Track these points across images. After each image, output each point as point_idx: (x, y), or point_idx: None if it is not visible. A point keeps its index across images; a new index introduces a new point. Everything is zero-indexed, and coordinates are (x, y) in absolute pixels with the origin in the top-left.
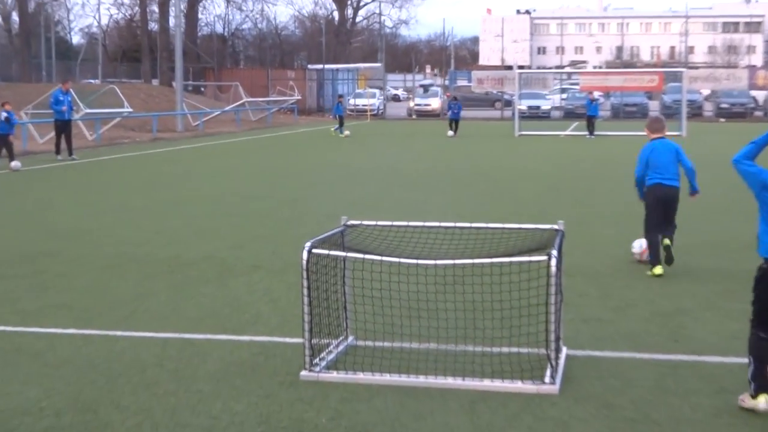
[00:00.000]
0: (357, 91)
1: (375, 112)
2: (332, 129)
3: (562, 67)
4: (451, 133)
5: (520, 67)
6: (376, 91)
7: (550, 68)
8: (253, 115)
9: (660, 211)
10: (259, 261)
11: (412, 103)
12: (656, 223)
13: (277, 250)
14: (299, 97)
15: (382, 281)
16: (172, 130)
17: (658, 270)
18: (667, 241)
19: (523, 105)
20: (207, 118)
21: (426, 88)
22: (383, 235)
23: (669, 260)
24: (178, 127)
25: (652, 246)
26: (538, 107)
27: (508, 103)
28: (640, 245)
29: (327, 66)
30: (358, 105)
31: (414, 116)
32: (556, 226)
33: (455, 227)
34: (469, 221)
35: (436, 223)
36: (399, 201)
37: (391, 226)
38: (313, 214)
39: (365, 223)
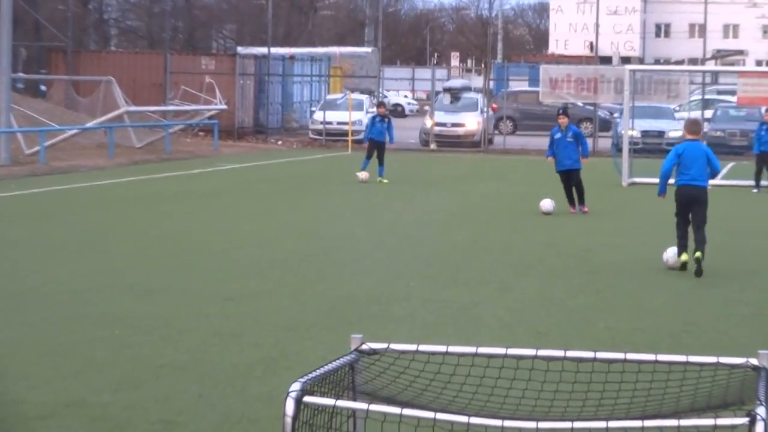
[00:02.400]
0: (328, 97)
1: (362, 136)
2: (363, 175)
3: (702, 61)
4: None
5: (625, 61)
6: (364, 98)
7: (681, 63)
8: (138, 138)
9: (686, 210)
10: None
11: (428, 122)
12: (683, 220)
13: (207, 394)
14: (223, 107)
15: None
16: None
17: (684, 257)
18: (698, 254)
19: (634, 130)
20: (53, 141)
21: (455, 93)
22: (416, 368)
23: (698, 273)
24: None
25: (680, 238)
26: (660, 133)
27: (606, 125)
28: (673, 253)
29: (274, 50)
30: (329, 122)
31: (433, 145)
32: (753, 361)
33: (550, 357)
34: (563, 343)
35: (515, 350)
36: (428, 302)
37: (435, 353)
38: (268, 325)
39: (394, 347)
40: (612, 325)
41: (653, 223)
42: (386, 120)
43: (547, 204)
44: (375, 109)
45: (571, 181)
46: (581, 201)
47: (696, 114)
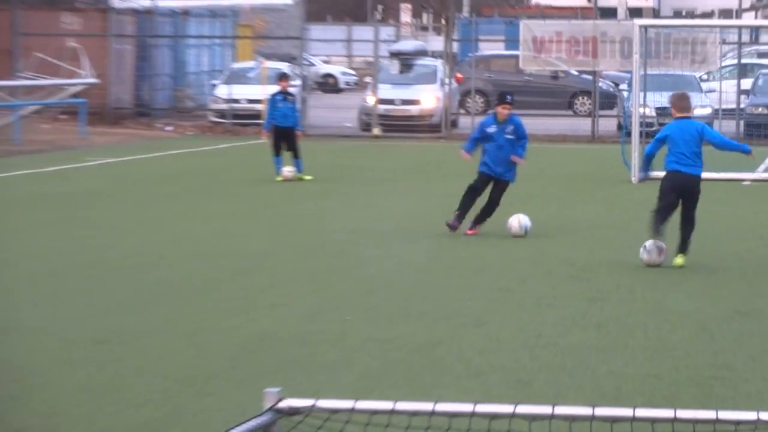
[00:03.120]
0: (234, 66)
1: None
2: (287, 172)
3: (738, 13)
4: (289, 170)
5: (635, 14)
6: (284, 66)
7: (709, 17)
8: None
9: (673, 199)
10: None
11: (370, 98)
12: (665, 208)
13: None
14: (93, 81)
15: None
16: None
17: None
18: (680, 260)
19: (647, 107)
20: None
21: (406, 60)
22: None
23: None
24: None
25: (655, 220)
26: None
27: (609, 101)
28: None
29: (161, 3)
30: (237, 100)
31: (377, 130)
32: None
33: (534, 414)
34: (551, 395)
35: (487, 406)
36: (369, 341)
37: (379, 411)
38: (155, 377)
39: (323, 403)
40: (617, 369)
41: (674, 232)
42: (292, 99)
43: (516, 223)
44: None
45: (492, 194)
46: (482, 220)
47: (731, 84)
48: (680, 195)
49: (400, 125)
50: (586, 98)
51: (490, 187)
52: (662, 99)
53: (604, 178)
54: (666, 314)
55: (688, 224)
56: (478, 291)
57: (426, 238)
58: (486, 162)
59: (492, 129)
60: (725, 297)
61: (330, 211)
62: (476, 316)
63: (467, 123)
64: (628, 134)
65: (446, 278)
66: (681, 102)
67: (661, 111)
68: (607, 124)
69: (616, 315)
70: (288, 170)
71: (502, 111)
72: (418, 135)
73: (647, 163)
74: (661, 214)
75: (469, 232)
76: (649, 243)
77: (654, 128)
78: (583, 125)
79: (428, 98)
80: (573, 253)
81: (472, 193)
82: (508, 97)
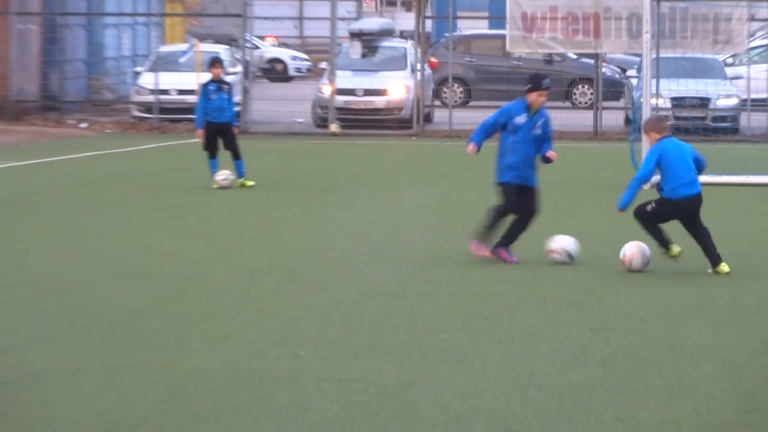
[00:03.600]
0: (162, 50)
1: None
2: (221, 179)
3: None
4: (224, 176)
5: None
6: (221, 50)
7: None
8: None
9: (674, 218)
10: None
11: (327, 88)
12: (661, 225)
13: None
14: None
15: None
16: None
17: (675, 250)
18: (726, 268)
19: (661, 97)
20: None
21: (370, 41)
22: None
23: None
24: None
25: (656, 233)
26: (703, 101)
27: (615, 90)
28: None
29: None
30: (166, 90)
31: (335, 126)
32: None
33: None
34: None
35: None
36: (327, 382)
37: None
38: (67, 426)
39: None
40: (627, 414)
41: (691, 244)
42: (227, 89)
43: (559, 247)
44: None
45: (528, 204)
46: (513, 239)
47: (761, 69)
48: (690, 216)
49: (363, 120)
50: (586, 87)
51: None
52: (679, 87)
53: (609, 183)
54: (684, 347)
55: (705, 233)
56: (458, 320)
57: (395, 258)
58: (513, 164)
59: (521, 119)
60: (754, 327)
61: (279, 224)
62: (456, 351)
63: (443, 117)
64: (639, 130)
65: (420, 305)
66: (661, 124)
67: (677, 102)
68: (613, 118)
69: (625, 348)
70: (222, 176)
71: (538, 99)
72: (384, 132)
73: (635, 190)
74: (660, 231)
75: (484, 252)
76: (633, 247)
77: (669, 122)
78: (584, 119)
79: (396, 88)
80: (572, 275)
81: (503, 215)
82: (546, 81)
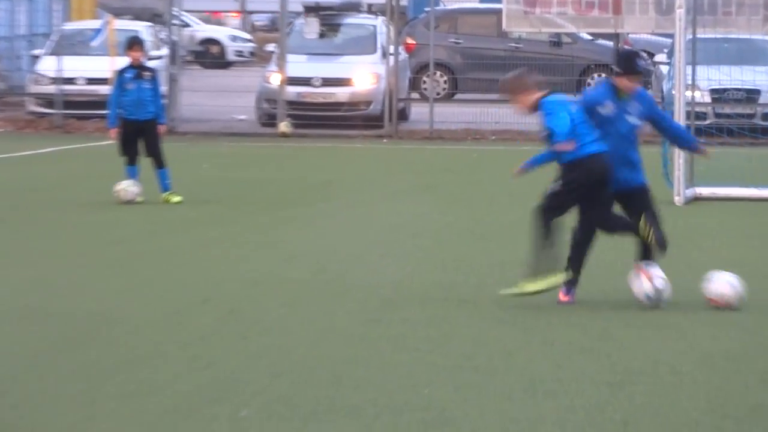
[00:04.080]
0: (66, 28)
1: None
2: (130, 191)
3: None
4: (125, 185)
5: None
6: (141, 28)
7: None
8: None
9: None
10: None
11: (274, 77)
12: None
13: None
14: None
15: None
16: None
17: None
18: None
19: (698, 89)
20: None
21: (329, 18)
22: None
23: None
24: None
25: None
26: (751, 93)
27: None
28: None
29: None
30: (71, 79)
31: (285, 125)
32: None
33: None
34: None
35: None
36: None
37: None
38: None
39: None
40: None
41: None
42: (149, 77)
43: (730, 290)
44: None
45: (633, 210)
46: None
47: None
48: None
49: (321, 118)
50: (603, 75)
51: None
52: (720, 76)
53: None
54: (728, 407)
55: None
56: (440, 372)
57: (362, 293)
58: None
59: (607, 108)
60: None
61: (214, 249)
62: (439, 411)
63: (423, 113)
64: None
65: (392, 353)
66: (531, 77)
67: (718, 95)
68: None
69: (653, 408)
70: (122, 186)
71: (629, 84)
72: (348, 133)
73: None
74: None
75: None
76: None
77: (709, 121)
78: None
79: (363, 76)
80: (585, 314)
81: (620, 226)
82: (642, 63)
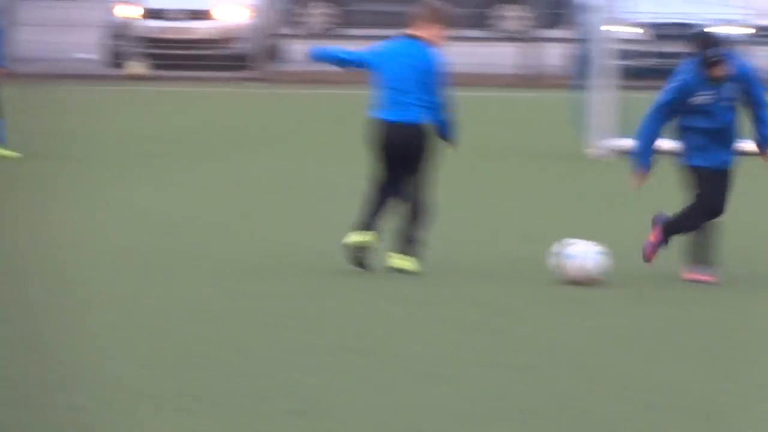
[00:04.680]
0: None
1: None
2: None
3: None
4: None
5: None
6: None
7: None
8: None
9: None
10: None
11: (123, 9)
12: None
13: None
14: None
15: None
16: None
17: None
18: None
19: (634, 24)
20: None
21: None
22: None
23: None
24: None
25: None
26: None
27: (557, 11)
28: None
29: None
30: None
31: (138, 65)
32: None
33: None
34: None
35: None
36: None
37: None
38: None
39: None
40: None
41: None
42: None
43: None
44: None
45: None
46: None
47: None
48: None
49: (180, 57)
50: (516, 7)
51: None
52: (660, 9)
53: (544, 152)
54: (641, 389)
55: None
56: (313, 354)
57: (220, 262)
58: (700, 147)
59: (702, 97)
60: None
61: (47, 212)
62: (310, 399)
63: (300, 53)
64: (582, 75)
65: (255, 332)
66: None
67: (659, 30)
68: (553, 55)
69: (558, 394)
70: None
71: (718, 72)
72: (211, 75)
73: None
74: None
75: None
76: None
77: (644, 61)
78: (510, 57)
79: (227, 8)
80: (485, 289)
81: (701, 215)
82: (718, 51)
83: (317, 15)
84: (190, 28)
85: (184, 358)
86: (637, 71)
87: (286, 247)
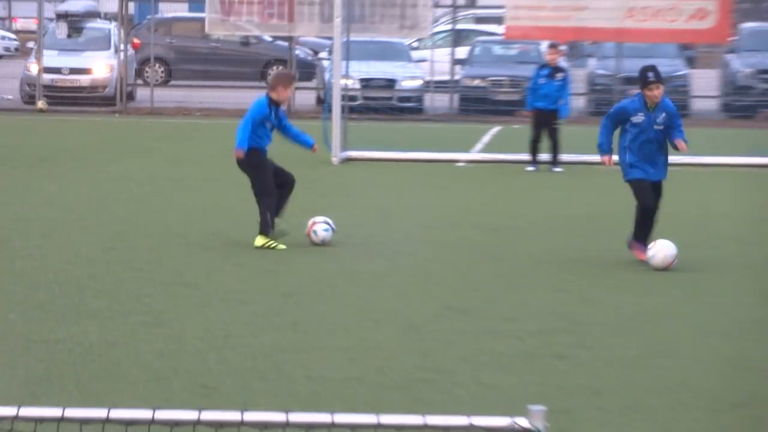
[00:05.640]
0: None
1: None
2: None
3: None
4: None
5: None
6: None
7: None
8: None
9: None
10: None
11: (34, 67)
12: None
13: None
14: None
15: None
16: None
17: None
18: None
19: (350, 78)
20: None
21: (75, 22)
22: None
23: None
24: None
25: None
26: (390, 82)
27: (308, 71)
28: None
29: None
30: None
31: (41, 102)
32: (521, 422)
33: (218, 421)
34: (240, 401)
35: (165, 413)
36: (35, 343)
37: (46, 418)
38: None
39: None
40: (315, 372)
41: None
42: None
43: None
44: None
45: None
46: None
47: (444, 52)
48: None
49: (69, 98)
50: (281, 67)
51: None
52: (368, 69)
53: (303, 159)
54: (370, 312)
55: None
56: (158, 286)
57: (101, 227)
58: (635, 164)
59: (639, 117)
60: (435, 293)
61: None
62: (156, 315)
63: (145, 95)
64: (330, 110)
65: (123, 271)
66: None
67: (366, 83)
68: (305, 98)
69: (314, 313)
70: None
71: (654, 93)
72: (89, 109)
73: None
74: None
75: (642, 256)
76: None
77: (358, 102)
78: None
79: (100, 67)
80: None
81: (649, 212)
82: (651, 75)
83: (154, 71)
84: (76, 79)
85: (77, 288)
86: (352, 108)
87: (141, 218)
